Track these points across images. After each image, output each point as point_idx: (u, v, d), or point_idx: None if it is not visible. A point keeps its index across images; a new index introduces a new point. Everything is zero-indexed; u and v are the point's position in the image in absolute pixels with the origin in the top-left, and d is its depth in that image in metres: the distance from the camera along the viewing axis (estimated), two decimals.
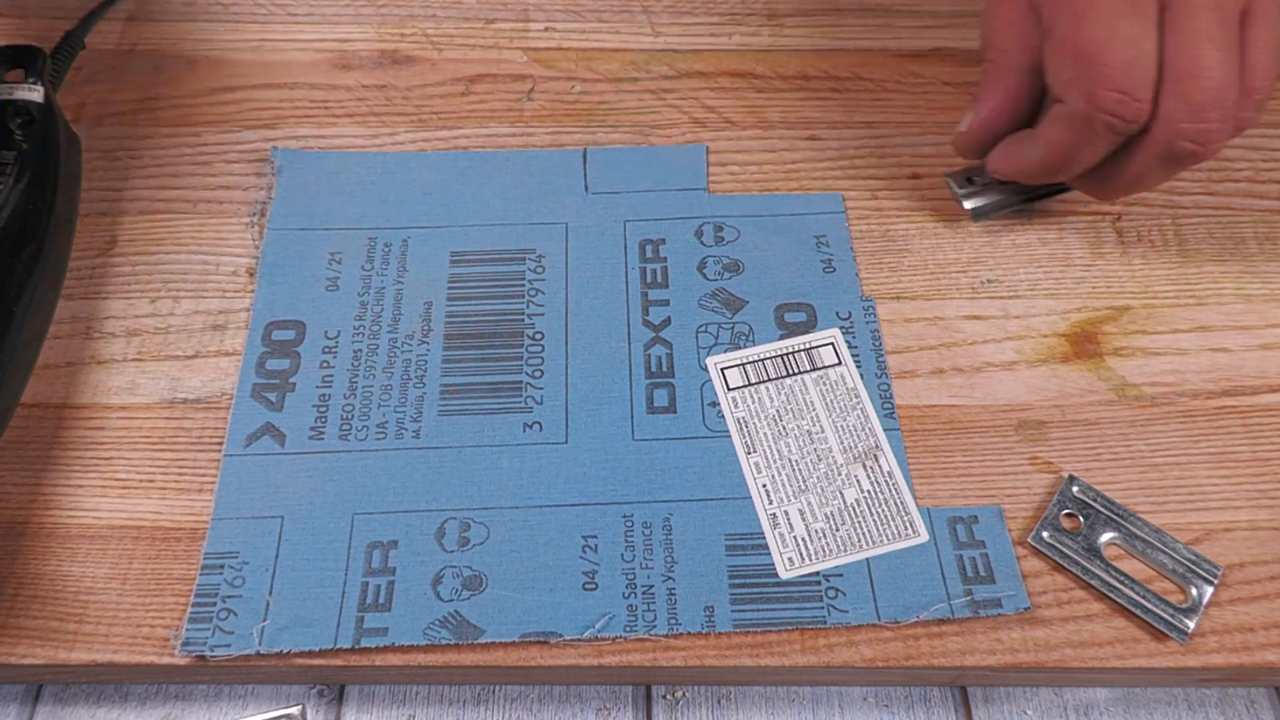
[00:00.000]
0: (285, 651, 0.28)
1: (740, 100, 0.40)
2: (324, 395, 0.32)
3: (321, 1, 0.43)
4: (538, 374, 0.33)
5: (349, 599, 0.28)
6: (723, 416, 0.32)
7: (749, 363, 0.33)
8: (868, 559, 0.29)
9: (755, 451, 0.31)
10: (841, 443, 0.31)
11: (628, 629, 0.28)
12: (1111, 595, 0.29)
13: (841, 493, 0.30)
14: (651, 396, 0.32)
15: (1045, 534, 0.30)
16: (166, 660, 0.28)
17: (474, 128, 0.39)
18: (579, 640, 0.28)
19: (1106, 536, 0.30)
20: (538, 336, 0.34)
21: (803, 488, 0.30)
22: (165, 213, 0.37)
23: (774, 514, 0.30)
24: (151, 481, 0.31)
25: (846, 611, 0.28)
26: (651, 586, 0.29)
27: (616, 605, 0.29)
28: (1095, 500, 0.30)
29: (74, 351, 0.33)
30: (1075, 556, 0.29)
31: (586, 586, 0.29)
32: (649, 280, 0.35)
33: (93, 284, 0.35)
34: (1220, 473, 0.31)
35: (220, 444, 0.31)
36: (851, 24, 0.43)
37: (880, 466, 0.31)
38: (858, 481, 0.31)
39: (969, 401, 0.33)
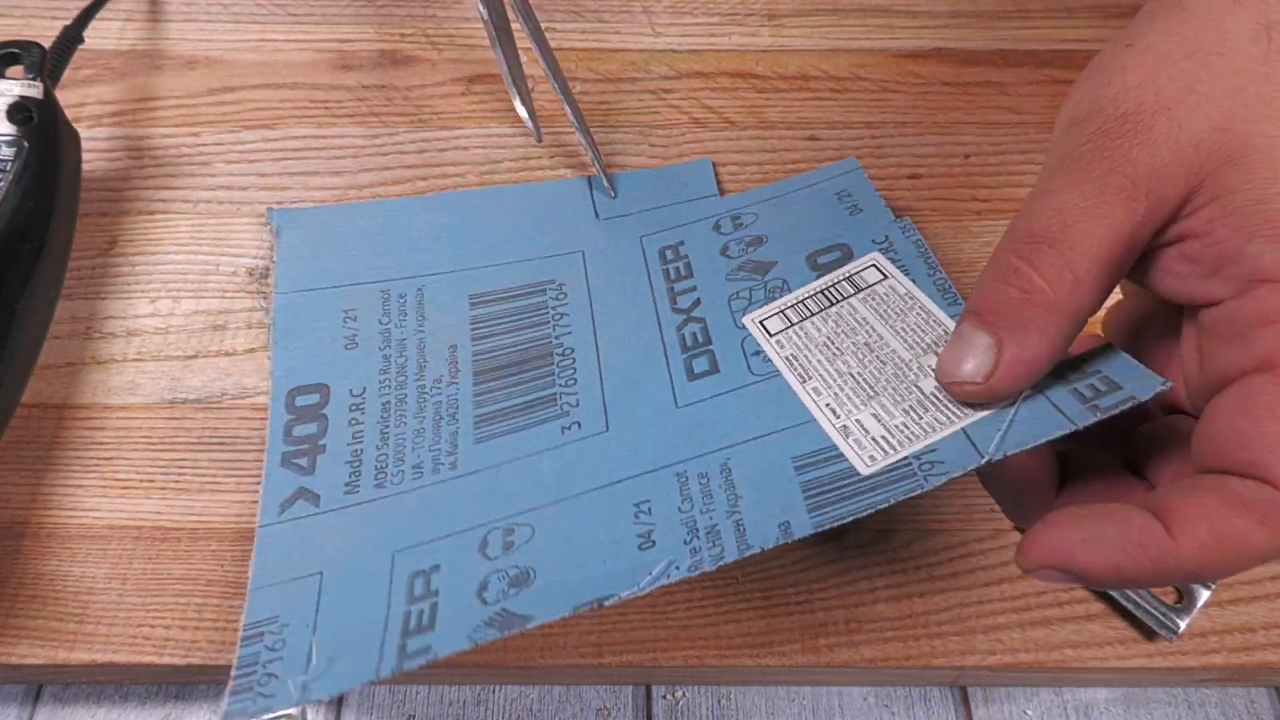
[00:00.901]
0: (321, 700, 0.26)
1: (740, 100, 0.40)
2: (356, 451, 0.31)
3: (322, 2, 0.43)
4: (570, 383, 0.32)
5: (390, 632, 0.27)
6: (769, 360, 0.30)
7: (788, 308, 0.32)
8: (964, 427, 0.25)
9: (811, 379, 0.29)
10: (906, 341, 0.29)
11: (693, 568, 0.25)
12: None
13: (918, 386, 0.28)
14: (690, 366, 0.31)
15: None
16: (166, 660, 0.28)
17: (474, 128, 0.39)
18: (636, 596, 0.25)
19: None
20: (567, 352, 0.33)
21: (872, 394, 0.28)
22: (165, 213, 0.37)
23: (844, 425, 0.28)
24: (151, 482, 0.31)
25: (944, 473, 0.25)
26: (715, 525, 0.26)
27: (678, 552, 0.26)
28: None
29: (74, 351, 0.33)
30: None
31: (643, 547, 0.26)
32: (673, 276, 0.34)
33: (93, 284, 0.35)
34: None
35: (222, 444, 0.31)
36: (851, 24, 0.43)
37: None
38: (933, 370, 0.28)
39: None
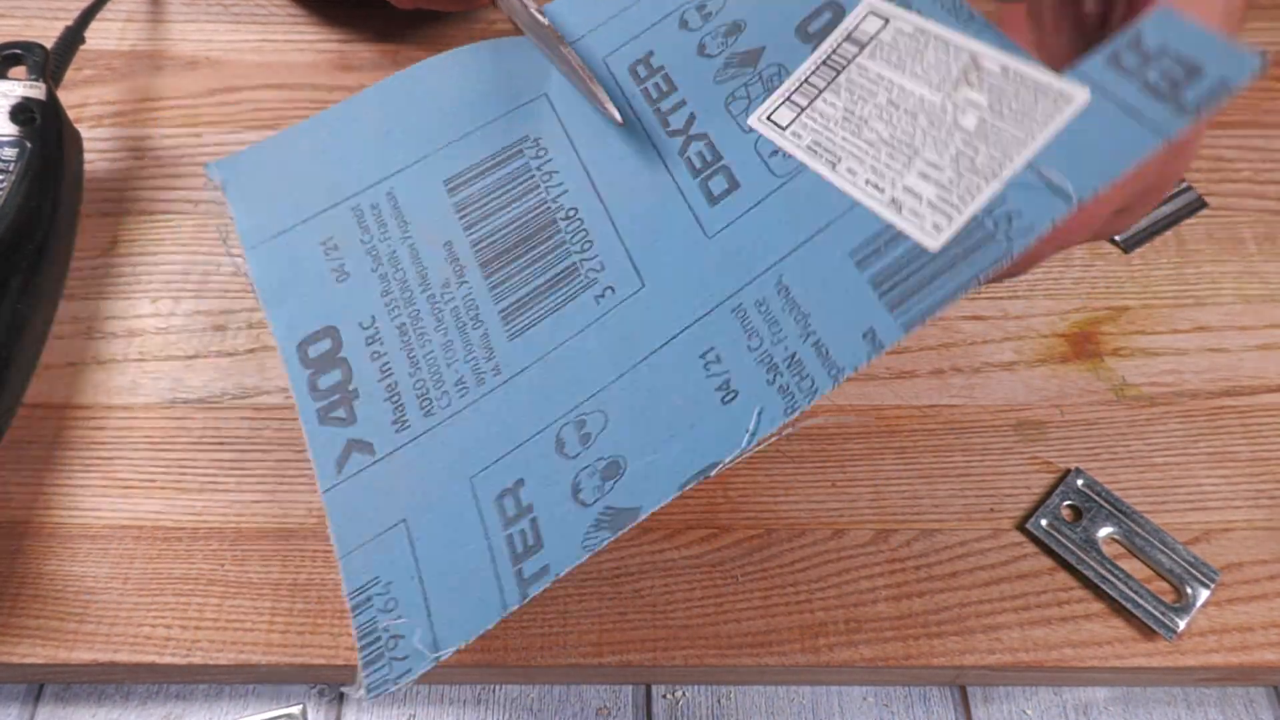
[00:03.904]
0: (462, 647, 0.25)
1: None
2: (390, 385, 0.29)
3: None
4: (586, 246, 0.30)
5: (500, 559, 0.25)
6: (790, 156, 0.28)
7: (794, 92, 0.29)
8: (1030, 160, 0.23)
9: (841, 160, 0.27)
10: (930, 83, 0.26)
11: (787, 410, 0.24)
12: (1104, 587, 0.29)
13: (959, 125, 0.25)
14: (708, 189, 0.29)
15: (1044, 522, 0.30)
16: (168, 659, 0.28)
17: None
18: (740, 457, 0.24)
19: (1105, 531, 0.30)
20: (571, 214, 0.30)
21: (912, 152, 0.25)
22: (166, 213, 0.37)
23: (892, 198, 0.25)
24: (153, 481, 0.31)
25: (1029, 227, 0.22)
26: (794, 354, 0.25)
27: (765, 397, 0.24)
28: (1099, 495, 0.30)
29: (75, 352, 0.33)
30: (1071, 547, 0.29)
31: (726, 400, 0.25)
32: (654, 96, 0.31)
33: (94, 284, 0.35)
34: (1219, 472, 0.31)
35: (222, 444, 0.32)
36: None
37: (988, 68, 0.25)
38: (970, 103, 0.25)
39: (969, 402, 0.33)
